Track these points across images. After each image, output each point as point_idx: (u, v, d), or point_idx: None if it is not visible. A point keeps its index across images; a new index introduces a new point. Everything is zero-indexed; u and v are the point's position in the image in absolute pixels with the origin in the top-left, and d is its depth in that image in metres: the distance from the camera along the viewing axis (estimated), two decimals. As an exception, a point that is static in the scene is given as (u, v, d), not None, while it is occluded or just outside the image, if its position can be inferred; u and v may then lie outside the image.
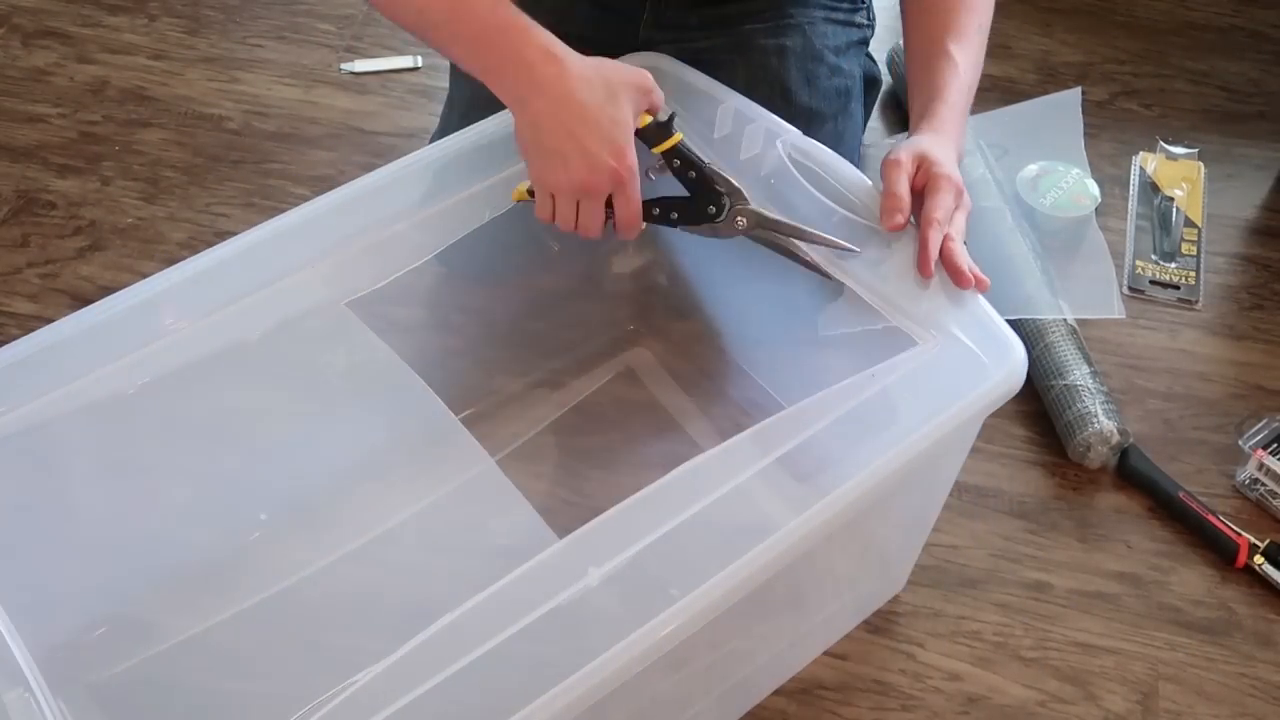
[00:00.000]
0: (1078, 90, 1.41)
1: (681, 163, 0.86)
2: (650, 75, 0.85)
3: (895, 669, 0.99)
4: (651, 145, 0.85)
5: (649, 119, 0.85)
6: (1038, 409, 1.16)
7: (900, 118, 1.46)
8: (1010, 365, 0.76)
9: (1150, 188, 1.40)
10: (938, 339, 0.78)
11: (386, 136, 1.45)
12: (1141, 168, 1.42)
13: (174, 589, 0.89)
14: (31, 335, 0.79)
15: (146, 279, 0.83)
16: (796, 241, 0.85)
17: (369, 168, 0.92)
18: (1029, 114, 1.43)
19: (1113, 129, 1.48)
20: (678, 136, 0.86)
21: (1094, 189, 1.30)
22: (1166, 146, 1.45)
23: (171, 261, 0.97)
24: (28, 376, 0.77)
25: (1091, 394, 1.12)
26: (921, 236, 0.81)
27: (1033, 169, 1.31)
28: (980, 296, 0.80)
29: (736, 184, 0.85)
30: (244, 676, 0.87)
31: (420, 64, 1.55)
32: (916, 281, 0.81)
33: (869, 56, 1.18)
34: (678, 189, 0.87)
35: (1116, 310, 1.22)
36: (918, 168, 0.84)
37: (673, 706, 0.85)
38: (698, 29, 1.07)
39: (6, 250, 1.32)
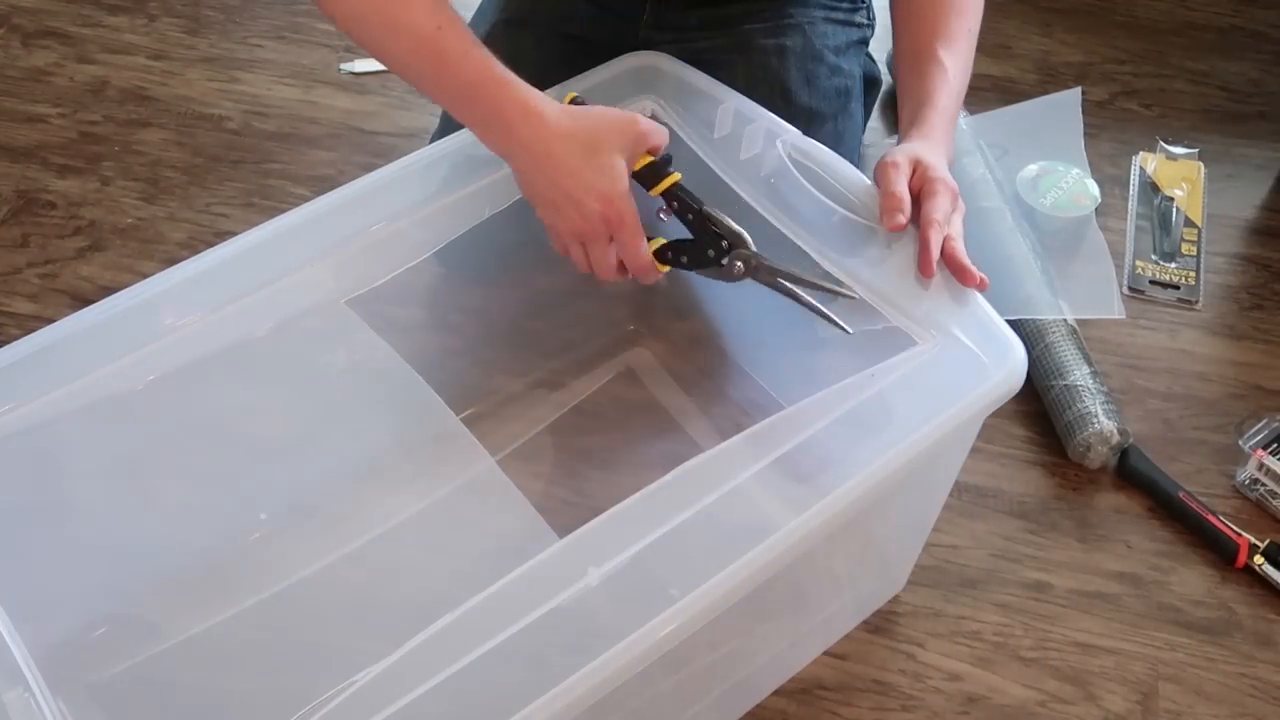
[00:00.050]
0: (1078, 90, 1.41)
1: (680, 204, 0.85)
2: (640, 118, 0.83)
3: (895, 669, 0.99)
4: (648, 187, 0.84)
5: (648, 159, 0.84)
6: (1038, 409, 1.16)
7: (900, 118, 1.46)
8: (1010, 365, 0.76)
9: (1150, 188, 1.40)
10: (938, 339, 0.78)
11: (386, 136, 1.45)
12: (1141, 168, 1.42)
13: (174, 589, 0.89)
14: (31, 335, 0.79)
15: (146, 279, 0.83)
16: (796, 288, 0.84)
17: (369, 168, 0.92)
18: (1029, 114, 1.43)
19: (1113, 129, 1.48)
20: (674, 177, 0.84)
21: (1094, 189, 1.30)
22: (1166, 146, 1.45)
23: (171, 261, 0.97)
24: (28, 376, 0.77)
25: (1091, 394, 1.12)
26: (922, 237, 0.81)
27: (1033, 169, 1.31)
28: (980, 296, 0.80)
29: (735, 227, 0.84)
30: (244, 676, 0.87)
31: (420, 64, 1.55)
32: (917, 281, 0.81)
33: (869, 56, 1.19)
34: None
35: (1116, 310, 1.22)
36: (913, 171, 0.84)
37: (673, 706, 0.85)
38: (697, 29, 1.07)
39: (6, 250, 1.32)
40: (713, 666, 0.85)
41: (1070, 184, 1.30)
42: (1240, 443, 1.11)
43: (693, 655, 0.78)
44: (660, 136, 0.84)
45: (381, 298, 0.86)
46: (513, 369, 1.11)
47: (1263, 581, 1.05)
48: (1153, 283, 1.30)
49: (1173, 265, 1.32)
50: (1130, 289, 1.30)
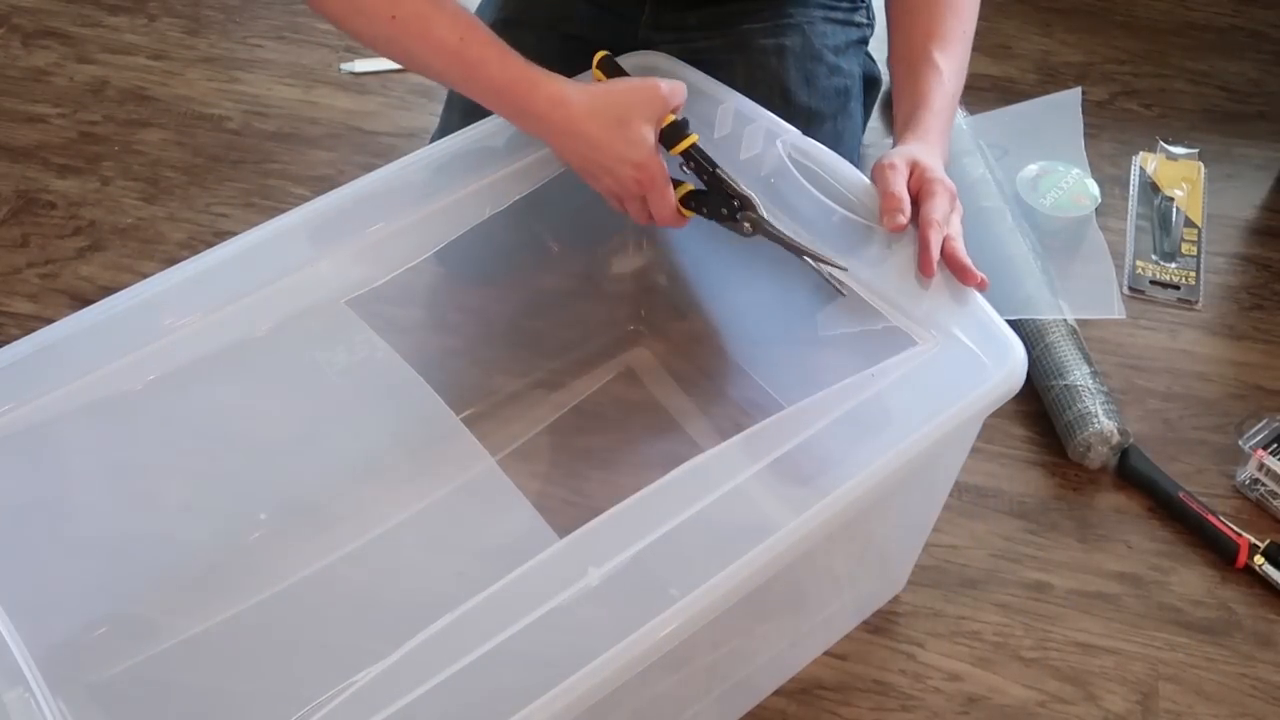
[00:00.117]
0: (1078, 90, 1.41)
1: (696, 164, 0.88)
2: (660, 81, 0.87)
3: (895, 669, 0.99)
4: (668, 147, 0.88)
5: (671, 119, 0.88)
6: (1038, 409, 1.16)
7: (900, 118, 1.46)
8: (1010, 365, 0.76)
9: (1150, 188, 1.40)
10: (938, 339, 0.78)
11: (386, 136, 1.45)
12: (1141, 168, 1.42)
13: (174, 589, 0.89)
14: (31, 335, 0.79)
15: (146, 279, 0.83)
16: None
17: (369, 168, 0.92)
18: (1029, 114, 1.43)
19: (1113, 129, 1.48)
20: (692, 138, 0.88)
21: (1094, 189, 1.30)
22: (1166, 146, 1.45)
23: (171, 261, 0.97)
24: (28, 376, 0.77)
25: (1091, 394, 1.12)
26: (922, 237, 0.81)
27: (1033, 169, 1.31)
28: (980, 296, 0.80)
29: (745, 190, 0.87)
30: (244, 676, 0.87)
31: (420, 64, 1.55)
32: (916, 281, 0.81)
33: (869, 56, 1.18)
34: None
35: (1116, 310, 1.22)
36: (910, 172, 0.84)
37: (673, 706, 0.85)
38: (697, 29, 1.07)
39: (6, 250, 1.32)
40: (713, 666, 0.85)
41: (1070, 184, 1.30)
42: (1240, 443, 1.11)
43: (693, 655, 0.78)
44: (680, 94, 0.88)
45: (381, 298, 0.86)
46: (512, 369, 1.11)
47: (1263, 581, 1.05)
48: (1153, 283, 1.30)
49: (1173, 265, 1.32)
50: (1130, 289, 1.30)
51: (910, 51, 0.94)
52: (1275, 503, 1.09)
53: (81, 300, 1.25)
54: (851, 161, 0.90)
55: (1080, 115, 1.38)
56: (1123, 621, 1.03)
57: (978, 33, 0.97)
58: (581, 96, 0.85)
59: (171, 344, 0.80)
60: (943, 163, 0.87)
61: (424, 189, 0.89)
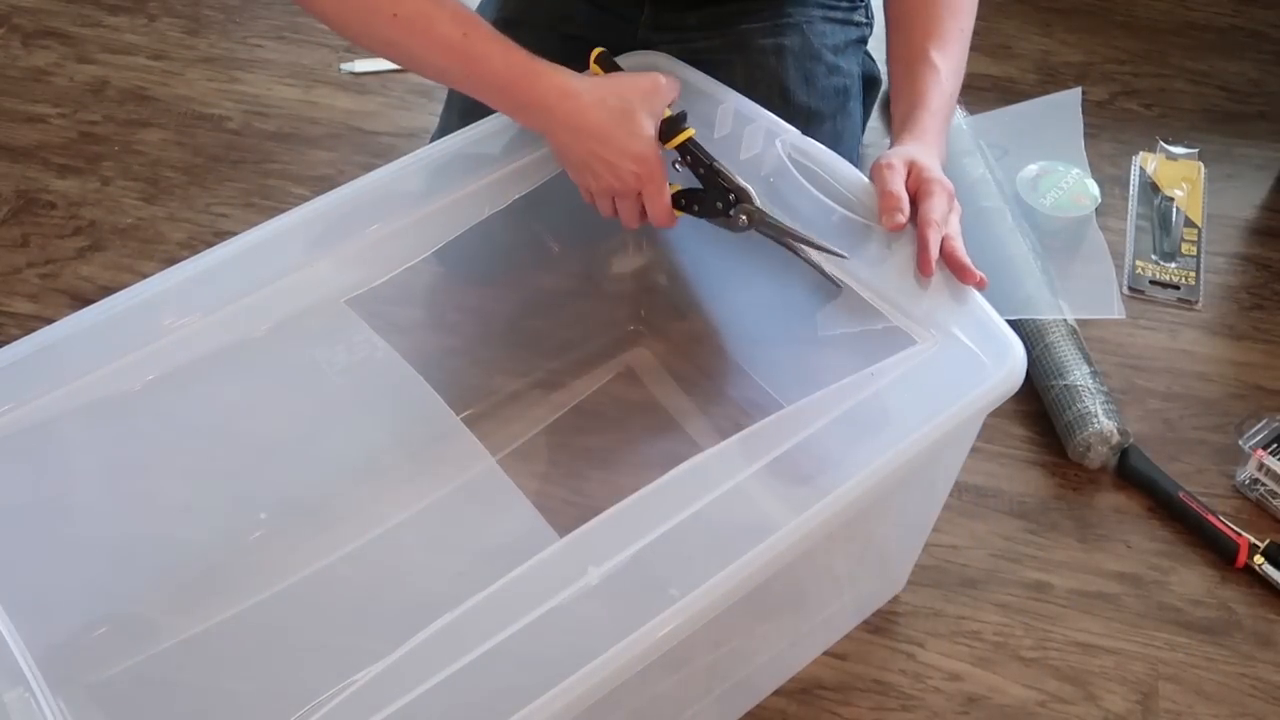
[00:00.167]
0: (1078, 90, 1.41)
1: (692, 158, 0.88)
2: (659, 75, 0.88)
3: (895, 669, 0.99)
4: (664, 141, 0.88)
5: (667, 113, 0.88)
6: (1038, 409, 1.16)
7: (900, 118, 1.46)
8: (1010, 365, 0.76)
9: (1150, 188, 1.40)
10: (937, 338, 0.78)
11: (386, 136, 1.45)
12: (1141, 168, 1.42)
13: (174, 589, 0.89)
14: (31, 335, 0.79)
15: (146, 279, 0.83)
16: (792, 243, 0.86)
17: (369, 168, 0.92)
18: (1029, 114, 1.43)
19: (1113, 129, 1.48)
20: (688, 132, 0.88)
21: (1094, 189, 1.30)
22: (1166, 146, 1.45)
23: (171, 261, 0.97)
24: (28, 376, 0.77)
25: (1091, 394, 1.12)
26: (921, 237, 0.81)
27: (1033, 169, 1.31)
28: (980, 296, 0.80)
29: (741, 183, 0.87)
30: (244, 676, 0.87)
31: (420, 64, 1.55)
32: (916, 281, 0.81)
33: (868, 55, 1.19)
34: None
35: (1116, 310, 1.22)
36: (908, 172, 0.84)
37: (673, 706, 0.85)
38: (696, 29, 1.07)
39: (6, 250, 1.32)
40: (713, 666, 0.85)
41: (1070, 184, 1.30)
42: (1240, 443, 1.11)
43: (693, 655, 0.78)
44: (675, 89, 0.89)
45: (381, 297, 0.86)
46: (512, 369, 1.11)
47: (1263, 581, 1.05)
48: (1153, 283, 1.30)
49: (1173, 265, 1.32)
50: (1130, 289, 1.30)
51: (908, 51, 0.94)
52: (1275, 503, 1.09)
53: (81, 300, 1.25)
54: (851, 161, 0.90)
55: (1080, 115, 1.38)
56: (1123, 621, 1.03)
57: (977, 32, 0.97)
58: (587, 88, 0.85)
59: (171, 344, 0.80)
60: (940, 162, 0.87)
61: (423, 189, 0.89)
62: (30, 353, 0.78)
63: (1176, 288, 1.30)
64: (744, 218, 0.87)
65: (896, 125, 0.91)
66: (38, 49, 1.57)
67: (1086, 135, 1.37)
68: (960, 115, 1.39)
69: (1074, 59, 1.59)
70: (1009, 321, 0.79)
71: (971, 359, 0.77)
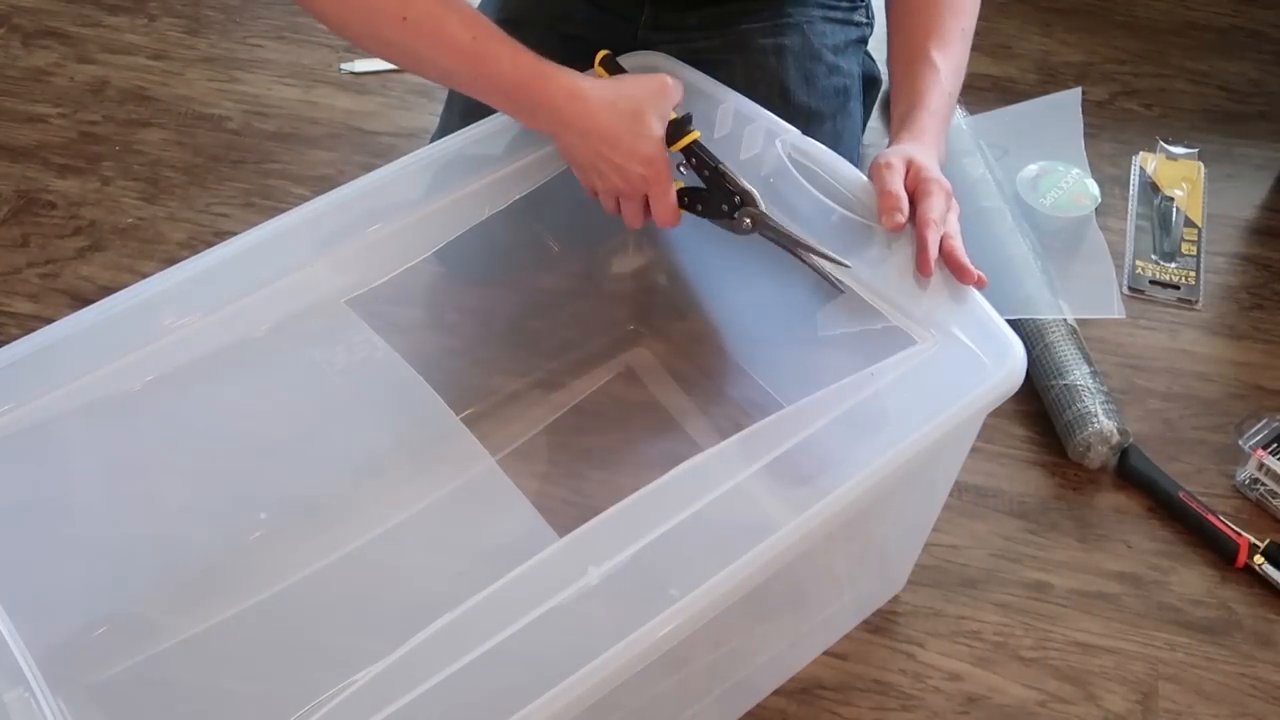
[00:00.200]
0: (1078, 90, 1.41)
1: (698, 160, 0.88)
2: (667, 77, 0.88)
3: (895, 669, 0.99)
4: (670, 144, 0.88)
5: (673, 116, 0.88)
6: (1038, 409, 1.16)
7: (900, 118, 1.46)
8: (1010, 365, 0.76)
9: (1150, 188, 1.40)
10: (937, 338, 0.78)
11: (386, 136, 1.45)
12: (1141, 168, 1.42)
13: (174, 589, 0.89)
14: (31, 335, 0.79)
15: (146, 279, 0.83)
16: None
17: (369, 168, 0.92)
18: (1029, 114, 1.43)
19: (1113, 129, 1.48)
20: (694, 135, 0.88)
21: (1094, 189, 1.30)
22: (1166, 146, 1.45)
23: (171, 261, 0.97)
24: (28, 376, 0.77)
25: (1091, 394, 1.12)
26: (920, 237, 0.81)
27: (1033, 169, 1.31)
28: (980, 296, 0.80)
29: (747, 186, 0.87)
30: (244, 676, 0.87)
31: (420, 64, 1.55)
32: (916, 281, 0.81)
33: (868, 55, 1.19)
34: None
35: (1116, 310, 1.22)
36: (906, 171, 0.84)
37: (673, 706, 0.85)
38: (696, 29, 1.07)
39: (6, 250, 1.32)
40: (713, 666, 0.85)
41: (1070, 184, 1.30)
42: (1240, 443, 1.11)
43: (693, 655, 0.78)
44: (680, 92, 0.89)
45: (381, 297, 0.86)
46: (512, 369, 1.11)
47: (1263, 581, 1.05)
48: (1153, 283, 1.30)
49: (1173, 265, 1.32)
50: (1130, 289, 1.30)
51: (909, 51, 0.94)
52: (1275, 502, 1.09)
53: (81, 300, 1.25)
54: (851, 161, 0.90)
55: (1080, 115, 1.38)
56: (1123, 621, 1.03)
57: (978, 32, 0.97)
58: (596, 90, 0.85)
59: (171, 344, 0.80)
60: (938, 162, 0.87)
61: (424, 189, 0.89)
62: (30, 353, 0.78)
63: (1176, 288, 1.30)
64: (748, 221, 0.87)
65: (895, 124, 0.91)
66: (38, 49, 1.57)
67: (1086, 135, 1.37)
68: (960, 115, 1.39)
69: (1074, 59, 1.59)
70: (1009, 321, 0.79)
71: (971, 359, 0.77)
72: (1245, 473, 1.11)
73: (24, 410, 0.77)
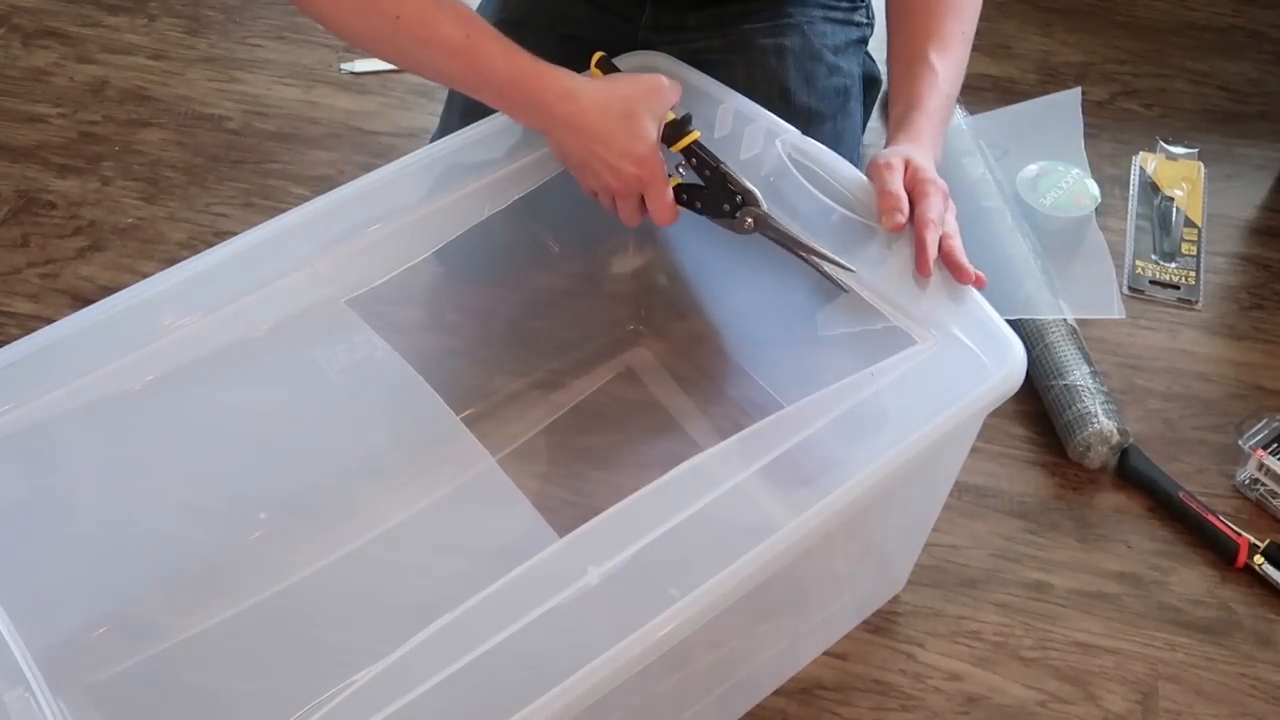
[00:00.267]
0: (1078, 90, 1.41)
1: (698, 160, 0.88)
2: (663, 78, 0.88)
3: (895, 669, 0.99)
4: (669, 144, 0.88)
5: (671, 117, 0.88)
6: (1038, 409, 1.16)
7: (900, 118, 1.46)
8: (1010, 365, 0.76)
9: (1150, 188, 1.40)
10: (937, 338, 0.78)
11: (386, 136, 1.45)
12: (1141, 168, 1.42)
13: (174, 589, 0.89)
14: (31, 335, 0.79)
15: (146, 279, 0.83)
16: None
17: (369, 168, 0.92)
18: (1029, 114, 1.43)
19: (1113, 129, 1.48)
20: (694, 135, 0.88)
21: (1094, 189, 1.30)
22: (1166, 146, 1.45)
23: (171, 261, 0.97)
24: (28, 376, 0.77)
25: (1091, 394, 1.12)
26: (918, 237, 0.81)
27: (1033, 169, 1.31)
28: (979, 296, 0.80)
29: (749, 185, 0.87)
30: (244, 676, 0.87)
31: (420, 64, 1.55)
32: (916, 281, 0.81)
33: (868, 55, 1.19)
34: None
35: (1116, 310, 1.22)
36: (904, 171, 0.84)
37: (673, 707, 0.85)
38: (696, 29, 1.07)
39: (6, 250, 1.32)
40: (713, 666, 0.85)
41: (1070, 184, 1.30)
42: (1240, 443, 1.11)
43: (693, 655, 0.78)
44: (678, 93, 0.89)
45: (381, 297, 0.86)
46: (512, 369, 1.11)
47: (1263, 581, 1.05)
48: (1153, 283, 1.30)
49: (1173, 265, 1.32)
50: (1130, 289, 1.30)
51: (908, 52, 0.94)
52: (1275, 502, 1.09)
53: (81, 300, 1.25)
54: (851, 161, 0.90)
55: (1080, 115, 1.38)
56: (1123, 621, 1.03)
57: (978, 33, 0.97)
58: (588, 90, 0.85)
59: (171, 344, 0.80)
60: (935, 163, 0.87)
61: (424, 189, 0.89)
62: (30, 353, 0.78)
63: (1176, 288, 1.30)
64: (750, 220, 0.87)
65: (892, 125, 0.92)
66: (38, 49, 1.57)
67: (1086, 135, 1.37)
68: (960, 115, 1.39)
69: (1074, 59, 1.59)
70: (1009, 321, 0.79)
71: (971, 359, 0.77)
72: (1245, 473, 1.11)
73: (24, 410, 0.77)
